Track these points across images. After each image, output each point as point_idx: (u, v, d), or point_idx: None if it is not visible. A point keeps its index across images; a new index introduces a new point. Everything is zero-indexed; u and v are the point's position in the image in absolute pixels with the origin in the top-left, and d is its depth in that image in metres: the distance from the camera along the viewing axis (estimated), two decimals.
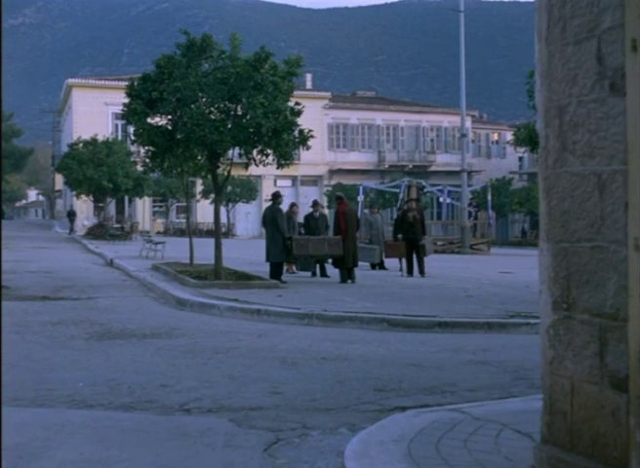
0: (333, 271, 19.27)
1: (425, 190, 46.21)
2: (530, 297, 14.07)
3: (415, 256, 20.86)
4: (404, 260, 21.47)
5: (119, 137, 49.73)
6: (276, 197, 18.90)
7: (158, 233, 50.41)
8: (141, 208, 55.75)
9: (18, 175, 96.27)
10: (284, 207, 20.05)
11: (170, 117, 17.77)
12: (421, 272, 20.56)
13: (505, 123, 79.34)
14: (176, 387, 7.50)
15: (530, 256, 25.59)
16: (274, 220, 18.24)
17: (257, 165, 18.45)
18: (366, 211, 25.69)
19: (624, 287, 3.96)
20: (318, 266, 20.11)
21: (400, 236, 21.30)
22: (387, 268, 23.04)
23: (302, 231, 21.05)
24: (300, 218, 22.22)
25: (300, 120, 17.91)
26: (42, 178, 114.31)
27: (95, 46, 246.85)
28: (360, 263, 19.97)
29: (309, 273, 20.12)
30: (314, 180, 61.12)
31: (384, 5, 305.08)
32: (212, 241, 18.88)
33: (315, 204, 21.39)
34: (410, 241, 20.83)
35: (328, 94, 64.79)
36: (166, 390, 7.38)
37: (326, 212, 24.77)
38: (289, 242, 18.10)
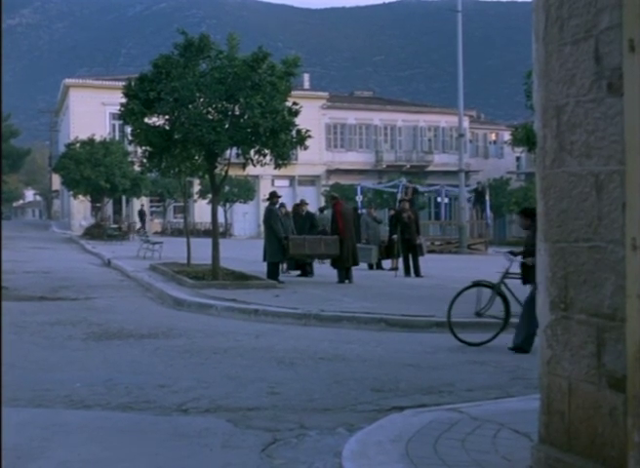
0: (326, 272, 19.27)
1: (422, 191, 46.23)
2: None
3: (410, 256, 20.89)
4: (394, 260, 21.56)
5: (116, 138, 49.63)
6: (271, 197, 18.93)
7: (156, 233, 50.33)
8: (139, 208, 55.66)
9: (15, 175, 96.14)
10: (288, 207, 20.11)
11: (167, 117, 17.77)
12: (417, 272, 20.57)
13: (503, 123, 79.26)
14: (173, 387, 7.50)
15: None
16: (267, 220, 18.31)
17: (254, 165, 18.45)
18: (363, 211, 25.68)
19: (622, 287, 3.96)
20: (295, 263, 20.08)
21: (395, 236, 21.34)
22: (385, 268, 23.07)
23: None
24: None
25: (297, 120, 17.91)
26: (39, 179, 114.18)
27: (92, 46, 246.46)
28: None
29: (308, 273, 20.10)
30: (312, 180, 61.05)
31: (382, 5, 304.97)
32: (209, 241, 18.87)
33: (299, 204, 21.71)
34: (405, 241, 20.85)
35: (325, 94, 64.69)
36: (163, 390, 7.38)
37: (313, 211, 24.82)
38: (285, 241, 18.13)
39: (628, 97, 3.90)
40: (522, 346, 9.98)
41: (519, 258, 10.74)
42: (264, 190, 56.59)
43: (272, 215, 18.38)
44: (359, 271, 20.19)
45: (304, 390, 7.47)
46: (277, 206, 19.36)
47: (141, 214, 52.55)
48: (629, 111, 3.90)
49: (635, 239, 3.85)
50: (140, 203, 52.72)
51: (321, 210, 28.06)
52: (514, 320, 10.62)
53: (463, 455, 5.14)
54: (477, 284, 11.20)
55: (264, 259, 18.64)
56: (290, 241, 18.22)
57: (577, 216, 4.32)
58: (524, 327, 10.07)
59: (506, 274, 10.91)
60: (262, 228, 19.23)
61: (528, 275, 10.30)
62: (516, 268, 10.71)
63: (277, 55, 19.06)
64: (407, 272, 20.78)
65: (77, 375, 8.03)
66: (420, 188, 46.54)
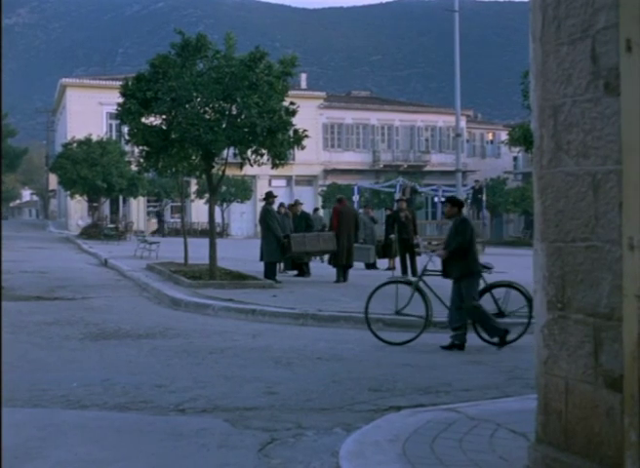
0: (324, 272, 19.26)
1: (419, 191, 46.23)
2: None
3: (408, 256, 20.89)
4: (390, 260, 21.55)
5: (113, 137, 49.58)
6: (267, 197, 18.96)
7: (153, 233, 50.30)
8: (136, 208, 55.65)
9: (12, 174, 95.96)
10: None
11: (164, 117, 17.76)
12: (414, 272, 20.55)
13: (500, 123, 79.33)
14: (170, 387, 7.50)
15: (524, 256, 25.56)
16: (264, 220, 18.33)
17: (251, 165, 18.45)
18: (361, 211, 25.67)
19: (619, 286, 3.96)
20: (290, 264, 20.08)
21: (393, 236, 21.32)
22: (379, 268, 23.06)
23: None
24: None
25: (294, 120, 17.92)
26: (36, 178, 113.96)
27: (89, 46, 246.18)
28: (355, 263, 19.96)
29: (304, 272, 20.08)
30: (309, 180, 61.04)
31: (379, 5, 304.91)
32: (206, 241, 18.86)
33: (293, 204, 21.79)
34: (403, 241, 20.85)
35: (323, 93, 64.69)
36: (160, 390, 7.38)
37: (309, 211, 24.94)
38: (285, 240, 18.15)
39: (625, 96, 3.91)
40: (501, 340, 9.99)
41: (432, 254, 10.79)
42: (262, 190, 56.44)
43: (269, 215, 18.39)
44: (357, 271, 20.19)
45: (302, 390, 7.46)
46: (277, 205, 19.36)
47: (159, 214, 52.63)
48: (626, 111, 3.90)
49: (632, 238, 3.86)
50: (159, 204, 53.33)
51: (315, 210, 28.11)
52: (439, 319, 10.63)
53: (461, 455, 5.14)
54: (394, 281, 11.15)
55: (261, 259, 18.63)
56: (291, 239, 18.27)
57: (573, 216, 4.33)
58: (480, 322, 10.09)
59: (425, 271, 10.90)
60: (259, 228, 19.16)
61: (446, 271, 10.31)
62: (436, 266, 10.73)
63: (274, 54, 19.06)
64: (404, 272, 20.76)
65: (74, 375, 8.03)
66: (418, 188, 46.52)
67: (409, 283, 10.96)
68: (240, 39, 18.51)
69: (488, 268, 10.82)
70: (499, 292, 10.88)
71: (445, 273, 10.37)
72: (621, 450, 3.94)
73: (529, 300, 10.56)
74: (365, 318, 10.79)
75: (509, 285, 10.94)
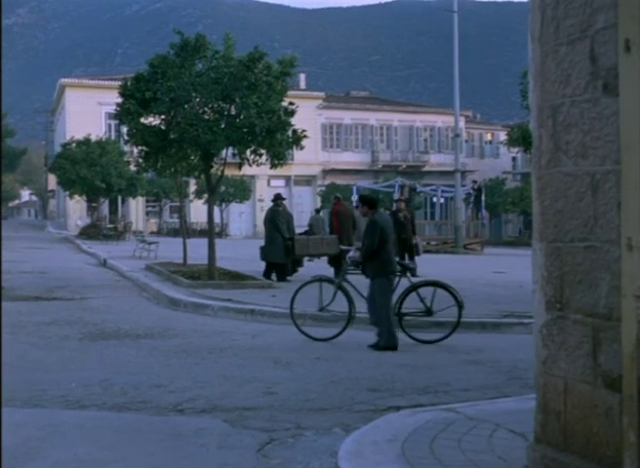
0: (315, 272, 19.25)
1: (418, 191, 46.22)
2: (523, 297, 14.03)
3: (407, 256, 20.89)
4: None
5: (112, 137, 49.58)
6: (276, 199, 19.04)
7: (152, 233, 50.30)
8: (135, 208, 55.65)
9: (11, 175, 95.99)
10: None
11: (163, 117, 17.75)
12: (412, 272, 20.52)
13: (499, 123, 79.33)
14: (169, 387, 7.50)
15: (523, 256, 25.57)
16: (272, 221, 18.34)
17: (250, 165, 18.46)
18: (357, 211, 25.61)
19: (618, 287, 3.96)
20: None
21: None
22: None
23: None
24: (304, 220, 22.21)
25: (293, 120, 17.92)
26: (35, 178, 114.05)
27: (88, 46, 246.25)
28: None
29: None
30: (308, 180, 61.05)
31: (378, 5, 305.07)
32: (205, 241, 18.85)
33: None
34: (402, 241, 20.84)
35: (322, 94, 64.71)
36: (160, 390, 7.38)
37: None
38: (289, 242, 18.17)
39: (624, 97, 3.91)
40: (388, 345, 9.95)
41: (351, 254, 10.86)
42: (260, 190, 56.75)
43: (279, 217, 18.42)
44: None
45: (301, 390, 7.47)
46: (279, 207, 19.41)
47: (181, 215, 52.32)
48: (625, 111, 3.90)
49: (631, 239, 3.86)
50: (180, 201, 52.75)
51: (317, 211, 28.09)
52: (360, 315, 10.67)
53: (460, 455, 5.15)
54: (318, 279, 11.22)
55: (262, 258, 18.57)
56: (295, 242, 18.31)
57: (572, 216, 4.33)
58: (379, 325, 10.08)
59: (348, 269, 11.02)
60: (264, 228, 19.10)
61: (365, 269, 10.37)
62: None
63: (273, 55, 19.06)
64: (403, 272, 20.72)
65: (73, 375, 8.02)
66: (418, 187, 46.53)
67: (331, 281, 11.07)
68: (239, 39, 18.51)
69: (409, 269, 10.90)
70: (427, 291, 10.90)
71: (364, 272, 10.49)
72: (620, 451, 3.94)
73: (457, 300, 10.57)
74: (290, 314, 11.01)
75: (435, 284, 10.98)
